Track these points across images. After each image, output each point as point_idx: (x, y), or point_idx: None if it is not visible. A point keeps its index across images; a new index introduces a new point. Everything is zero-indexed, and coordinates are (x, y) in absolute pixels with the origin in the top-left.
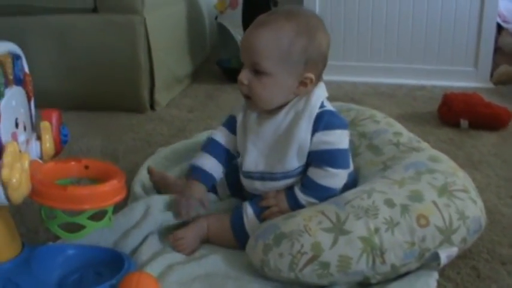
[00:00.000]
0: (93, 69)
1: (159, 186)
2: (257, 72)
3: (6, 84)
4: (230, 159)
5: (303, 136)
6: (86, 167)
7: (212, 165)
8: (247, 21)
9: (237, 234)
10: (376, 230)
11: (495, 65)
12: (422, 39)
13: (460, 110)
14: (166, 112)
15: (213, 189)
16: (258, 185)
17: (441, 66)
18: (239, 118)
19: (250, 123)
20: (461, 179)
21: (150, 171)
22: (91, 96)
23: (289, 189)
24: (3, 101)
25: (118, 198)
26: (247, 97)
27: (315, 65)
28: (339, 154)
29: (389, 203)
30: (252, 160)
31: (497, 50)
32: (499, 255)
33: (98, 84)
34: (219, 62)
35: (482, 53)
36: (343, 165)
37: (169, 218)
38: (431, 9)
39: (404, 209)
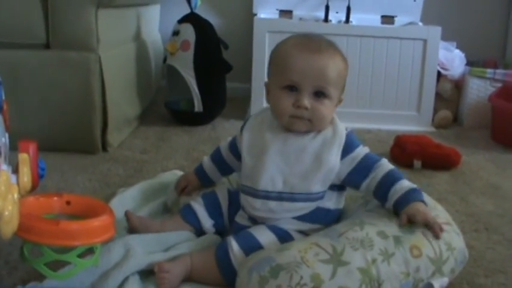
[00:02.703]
0: (44, 107)
1: (137, 230)
2: (318, 95)
3: None
4: (226, 170)
5: (333, 161)
6: (68, 203)
7: (212, 171)
8: (199, 63)
9: (224, 270)
10: (373, 261)
11: (434, 110)
12: (368, 85)
13: (414, 151)
14: (119, 153)
15: (196, 222)
16: (274, 206)
17: (386, 110)
18: (245, 138)
19: (270, 140)
20: (443, 212)
21: (128, 217)
22: (41, 135)
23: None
24: None
25: (109, 234)
26: (300, 118)
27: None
28: (370, 154)
29: (383, 235)
30: (269, 178)
31: (436, 95)
32: (479, 285)
33: (48, 123)
34: (168, 104)
35: (424, 98)
36: (379, 157)
37: (153, 261)
38: (377, 57)
39: (398, 240)
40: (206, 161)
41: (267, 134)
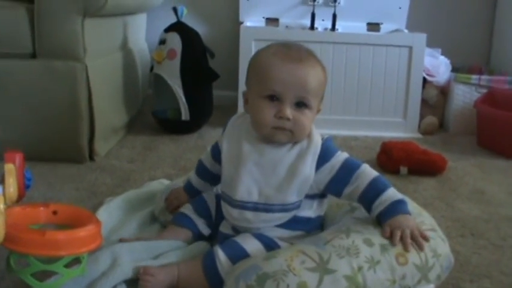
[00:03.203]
0: (30, 117)
1: None
2: (299, 105)
3: None
4: (215, 179)
5: (308, 171)
6: (55, 213)
7: (201, 185)
8: (186, 72)
9: (210, 278)
10: (360, 269)
11: (420, 116)
12: (354, 92)
13: (400, 157)
14: (106, 162)
15: (191, 224)
16: (250, 216)
17: (372, 117)
18: (225, 147)
19: (247, 151)
20: (428, 218)
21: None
22: (27, 145)
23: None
24: None
25: (96, 244)
26: (282, 129)
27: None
28: (349, 160)
29: (368, 243)
30: (246, 189)
31: (422, 101)
32: None
33: (34, 133)
34: (155, 113)
35: (411, 105)
36: (360, 162)
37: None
38: (363, 64)
39: (384, 248)
40: (193, 177)
41: (244, 144)
